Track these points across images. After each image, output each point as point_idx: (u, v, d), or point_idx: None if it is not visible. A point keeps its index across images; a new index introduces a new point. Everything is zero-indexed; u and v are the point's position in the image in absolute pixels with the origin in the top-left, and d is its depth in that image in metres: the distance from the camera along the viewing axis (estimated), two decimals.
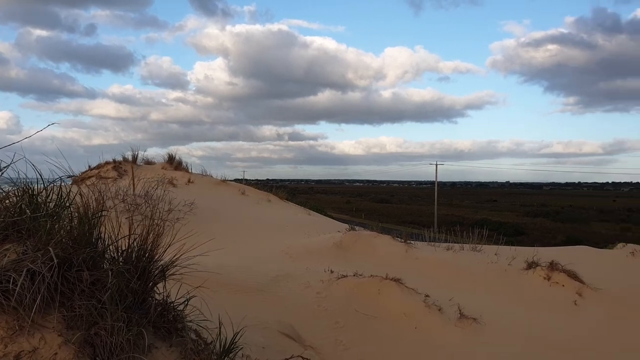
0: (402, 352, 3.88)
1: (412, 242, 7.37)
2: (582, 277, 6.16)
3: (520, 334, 4.65)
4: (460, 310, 4.47)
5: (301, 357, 3.15)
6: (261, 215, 10.84)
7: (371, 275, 4.92)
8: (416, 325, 4.24)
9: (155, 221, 2.79)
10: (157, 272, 2.74)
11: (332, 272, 5.17)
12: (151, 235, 2.78)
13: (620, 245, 9.26)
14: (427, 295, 4.70)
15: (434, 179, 71.22)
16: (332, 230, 9.01)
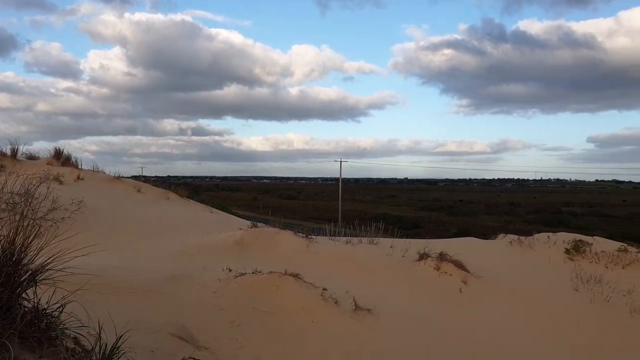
0: (298, 346, 3.91)
1: (314, 237, 7.48)
2: (468, 266, 6.67)
3: (410, 321, 4.91)
4: (355, 302, 4.61)
5: (192, 358, 3.04)
6: (158, 214, 10.36)
7: (270, 272, 4.90)
8: (313, 319, 4.30)
9: (28, 220, 2.54)
10: (25, 277, 2.50)
11: (230, 270, 5.08)
12: (20, 236, 2.53)
13: (501, 236, 10.17)
14: (324, 289, 4.79)
15: (339, 176, 73.00)
16: (234, 228, 8.86)
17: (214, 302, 4.43)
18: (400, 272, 6.35)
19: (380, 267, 6.40)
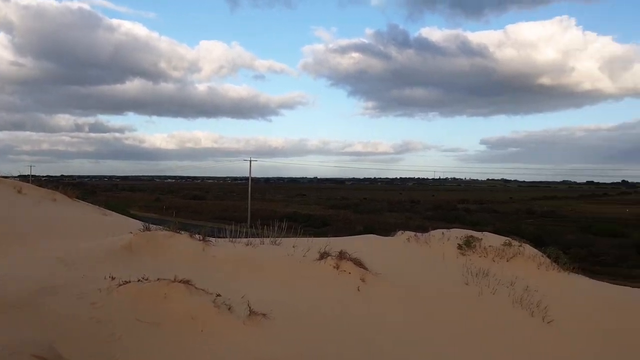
0: (184, 358, 3.63)
1: (212, 239, 7.15)
2: (367, 263, 6.75)
3: (308, 324, 4.81)
4: (250, 307, 4.41)
5: None
6: (41, 217, 9.37)
7: (158, 279, 4.54)
8: (203, 328, 4.03)
9: None
10: None
11: (113, 278, 4.62)
12: None
13: (400, 232, 10.50)
14: (218, 295, 4.53)
15: (249, 175, 72.01)
16: (126, 231, 8.23)
17: (91, 314, 4.00)
18: (300, 272, 6.24)
19: (280, 269, 6.25)
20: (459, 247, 8.87)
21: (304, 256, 6.81)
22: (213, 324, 4.12)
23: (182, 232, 7.00)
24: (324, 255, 6.72)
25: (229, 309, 4.35)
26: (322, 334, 4.68)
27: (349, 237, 10.87)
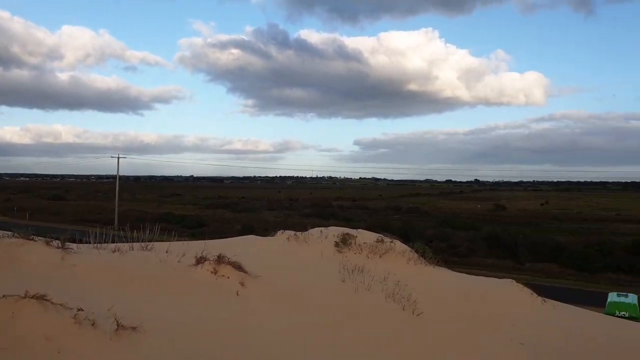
0: None
1: (73, 245, 6.43)
2: (247, 266, 6.60)
3: (183, 334, 4.53)
4: (117, 321, 4.02)
5: None
6: None
7: (4, 296, 3.92)
8: (60, 349, 3.57)
9: None
10: None
11: None
12: None
13: (280, 232, 10.51)
14: (79, 310, 4.05)
15: (116, 173, 67.00)
16: None
17: None
18: (174, 279, 5.89)
19: (152, 277, 5.83)
20: (336, 244, 9.13)
21: (178, 262, 6.44)
22: (73, 343, 3.67)
23: (37, 238, 6.19)
24: (200, 260, 6.42)
25: (93, 324, 3.92)
26: (199, 345, 4.44)
27: (228, 238, 10.59)
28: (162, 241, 7.92)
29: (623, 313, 21.80)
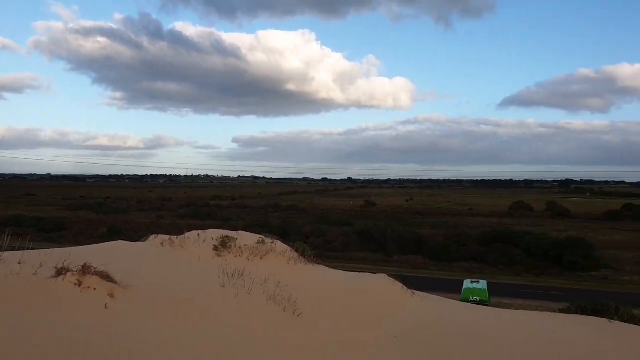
0: None
1: None
2: (116, 274, 6.07)
3: (43, 355, 4.00)
4: None
5: None
6: None
7: None
8: None
9: None
10: None
11: None
12: None
13: (152, 237, 9.89)
14: None
15: None
16: None
17: None
18: (30, 295, 5.19)
19: (4, 293, 5.07)
20: (215, 248, 8.85)
21: (34, 274, 5.70)
22: None
23: None
24: (62, 271, 5.75)
25: None
26: None
27: (94, 245, 9.69)
28: (12, 250, 6.95)
29: (475, 298, 24.50)
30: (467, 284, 27.48)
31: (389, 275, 10.14)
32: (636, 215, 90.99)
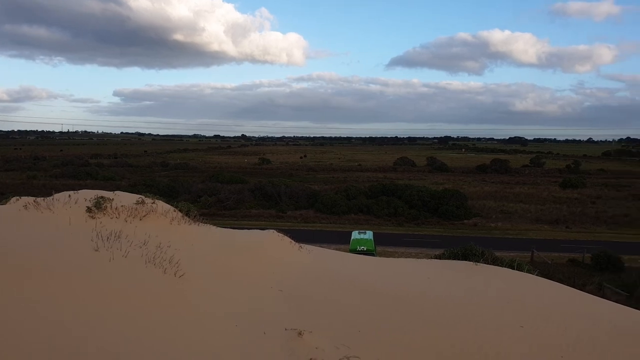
0: None
1: None
2: None
3: None
4: None
5: None
6: None
7: None
8: None
9: None
10: None
11: None
12: None
13: (14, 199, 8.83)
14: None
15: None
16: None
17: None
18: None
19: None
20: (88, 210, 8.14)
21: None
22: None
23: None
24: None
25: None
26: None
27: None
28: None
29: (362, 248, 25.90)
30: (355, 235, 28.89)
31: (278, 231, 10.19)
32: (501, 168, 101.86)
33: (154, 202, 8.94)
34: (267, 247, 8.52)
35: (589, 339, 5.86)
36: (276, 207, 54.76)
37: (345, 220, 51.16)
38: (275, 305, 5.83)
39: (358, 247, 25.86)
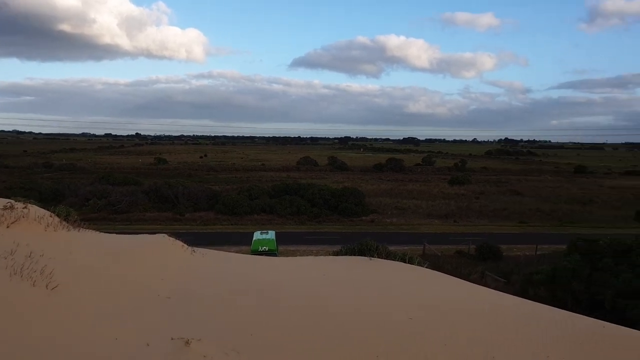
0: None
1: None
2: None
3: None
4: None
5: None
6: None
7: None
8: None
9: None
10: None
11: None
12: None
13: None
14: None
15: None
16: None
17: None
18: None
19: None
20: None
21: None
22: None
23: None
24: None
25: None
26: None
27: None
28: None
29: (264, 248, 25.73)
30: (257, 235, 28.62)
31: (173, 234, 9.70)
32: (396, 167, 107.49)
33: (25, 207, 8.03)
34: (155, 252, 8.03)
35: (469, 328, 6.27)
36: (173, 209, 52.58)
37: (248, 220, 50.62)
38: (161, 314, 5.48)
39: (260, 248, 25.65)
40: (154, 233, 10.29)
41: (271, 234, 28.72)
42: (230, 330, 5.15)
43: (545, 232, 48.46)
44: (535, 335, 6.34)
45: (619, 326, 7.61)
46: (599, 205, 64.79)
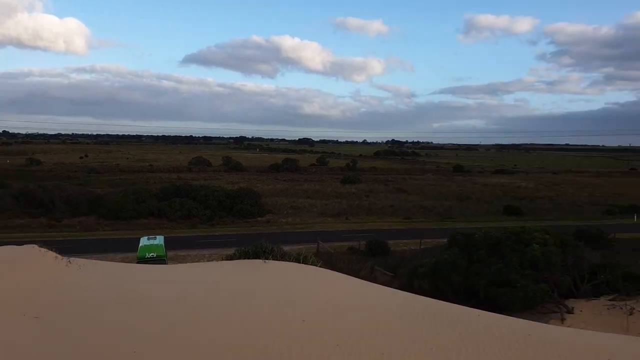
0: None
1: None
2: None
3: None
4: None
5: None
6: None
7: None
8: None
9: None
10: None
11: None
12: None
13: None
14: None
15: None
16: None
17: None
18: None
19: None
20: None
21: None
22: None
23: None
24: None
25: None
26: None
27: None
28: None
29: (152, 254, 24.29)
30: (144, 241, 26.91)
31: (44, 244, 8.75)
32: (292, 167, 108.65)
33: None
34: (23, 266, 7.18)
35: (359, 326, 6.44)
36: (48, 214, 47.85)
37: (134, 225, 47.62)
38: (28, 337, 4.88)
39: (147, 255, 24.18)
40: (23, 243, 9.23)
41: (159, 239, 27.21)
42: (107, 348, 4.72)
43: (428, 227, 52.04)
44: (419, 328, 6.71)
45: (490, 312, 8.37)
46: (473, 201, 71.15)
